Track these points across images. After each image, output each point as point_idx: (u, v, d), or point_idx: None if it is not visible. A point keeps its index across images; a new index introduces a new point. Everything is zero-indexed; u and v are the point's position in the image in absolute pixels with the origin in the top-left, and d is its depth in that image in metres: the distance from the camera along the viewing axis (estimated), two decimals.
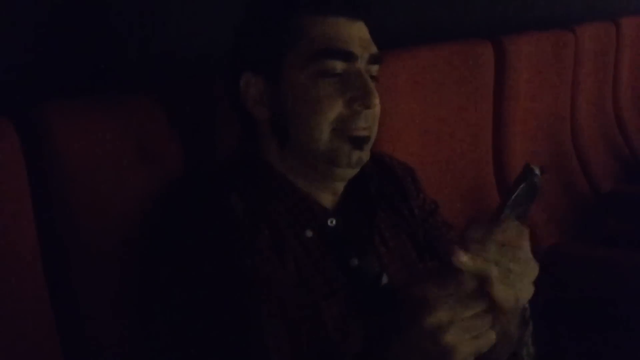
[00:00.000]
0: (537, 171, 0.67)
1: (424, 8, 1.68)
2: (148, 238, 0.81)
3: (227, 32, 0.88)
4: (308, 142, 0.81)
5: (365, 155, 0.83)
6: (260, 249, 0.78)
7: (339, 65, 0.80)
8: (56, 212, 0.83)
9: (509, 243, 0.63)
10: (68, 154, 0.83)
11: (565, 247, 1.74)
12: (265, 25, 0.83)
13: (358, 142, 0.81)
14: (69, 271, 0.84)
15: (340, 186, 0.87)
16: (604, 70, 2.29)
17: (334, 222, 0.84)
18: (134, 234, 0.85)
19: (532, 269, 0.64)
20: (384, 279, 0.85)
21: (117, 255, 0.85)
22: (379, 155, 0.97)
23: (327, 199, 0.86)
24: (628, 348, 1.36)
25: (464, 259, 0.60)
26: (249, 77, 0.83)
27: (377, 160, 0.94)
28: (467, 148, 1.56)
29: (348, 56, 0.81)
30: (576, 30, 2.03)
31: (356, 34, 0.82)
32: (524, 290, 0.64)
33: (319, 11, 0.81)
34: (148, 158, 0.91)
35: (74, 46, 0.99)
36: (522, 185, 0.67)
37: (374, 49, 0.84)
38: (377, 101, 0.81)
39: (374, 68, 0.84)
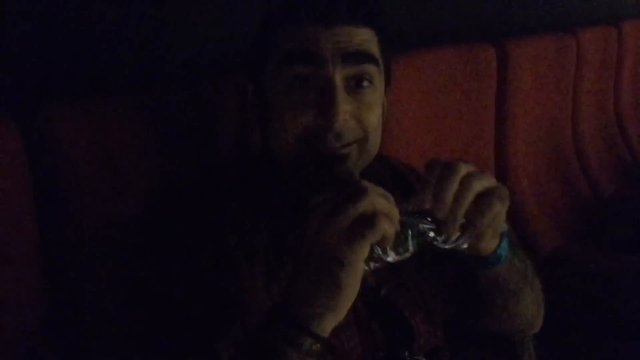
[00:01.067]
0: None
1: (426, 12, 1.68)
2: (143, 234, 0.80)
3: (227, 35, 0.88)
4: (276, 154, 0.79)
5: (344, 173, 0.76)
6: (253, 252, 0.77)
7: (304, 70, 0.75)
8: (59, 212, 0.84)
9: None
10: (71, 154, 0.84)
11: (566, 250, 1.74)
12: (256, 36, 0.83)
13: (322, 162, 0.75)
14: (71, 270, 0.85)
15: None
16: (605, 74, 2.29)
17: None
18: (134, 233, 0.85)
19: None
20: (383, 291, 0.84)
21: (119, 255, 0.85)
22: (389, 160, 0.97)
23: None
24: (628, 352, 1.36)
25: None
26: (251, 85, 0.85)
27: (386, 164, 0.94)
28: (469, 150, 1.56)
29: (312, 58, 0.75)
30: (578, 34, 2.03)
31: (329, 38, 0.75)
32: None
33: (293, 21, 0.77)
34: (148, 158, 0.91)
35: (75, 49, 0.99)
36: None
37: (351, 48, 0.76)
38: (341, 117, 0.73)
39: (361, 69, 0.76)
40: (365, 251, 0.60)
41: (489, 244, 0.76)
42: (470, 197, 0.67)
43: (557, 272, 1.54)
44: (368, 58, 0.77)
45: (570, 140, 2.06)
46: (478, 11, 1.90)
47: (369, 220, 0.60)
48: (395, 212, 0.62)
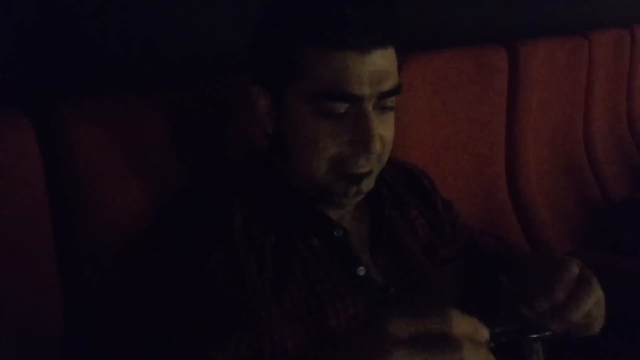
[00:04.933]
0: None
1: (438, 12, 1.68)
2: (147, 236, 0.81)
3: (234, 34, 0.87)
4: (305, 173, 0.80)
5: (365, 186, 0.81)
6: (262, 255, 0.77)
7: (342, 108, 0.76)
8: (73, 209, 0.84)
9: None
10: (84, 151, 0.84)
11: (576, 255, 1.72)
12: (274, 48, 0.78)
13: (355, 180, 0.79)
14: (82, 263, 0.85)
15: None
16: (617, 77, 2.27)
17: (341, 232, 0.83)
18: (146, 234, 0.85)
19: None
20: (392, 291, 0.84)
21: (131, 255, 0.84)
22: (396, 161, 0.97)
23: (335, 213, 0.85)
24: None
25: None
26: (259, 88, 0.82)
27: (399, 166, 0.94)
28: (480, 152, 1.56)
29: (352, 99, 0.75)
30: (590, 37, 2.02)
31: (367, 69, 0.74)
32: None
33: (325, 44, 0.74)
34: (162, 157, 0.91)
35: (87, 46, 0.99)
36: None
37: (387, 85, 0.77)
38: (378, 146, 0.77)
39: (389, 101, 0.79)
40: None
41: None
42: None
43: None
44: (398, 91, 0.79)
45: (581, 144, 2.05)
46: (489, 12, 1.89)
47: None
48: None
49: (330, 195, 0.81)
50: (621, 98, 2.35)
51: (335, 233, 0.83)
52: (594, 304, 0.72)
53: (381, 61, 0.76)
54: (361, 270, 0.83)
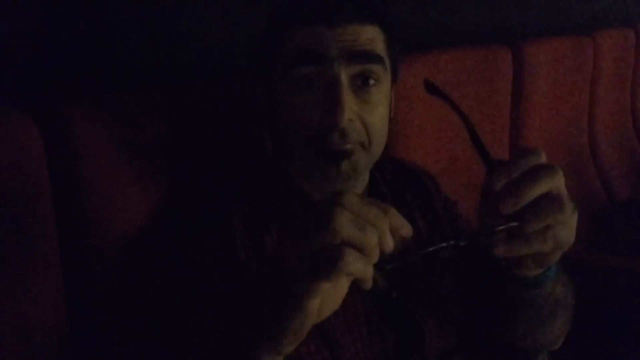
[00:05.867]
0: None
1: (442, 12, 1.67)
2: (149, 235, 0.82)
3: (235, 35, 0.88)
4: (286, 153, 0.81)
5: (347, 168, 0.77)
6: (263, 253, 0.77)
7: (310, 70, 0.75)
8: (77, 209, 0.84)
9: None
10: (89, 151, 0.84)
11: (580, 255, 1.72)
12: (264, 35, 0.83)
13: (332, 157, 0.76)
14: (86, 262, 0.85)
15: None
16: (622, 77, 2.26)
17: None
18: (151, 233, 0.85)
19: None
20: (394, 294, 0.84)
21: (136, 255, 0.85)
22: (398, 161, 0.96)
23: None
24: None
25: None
26: (256, 78, 0.85)
27: (402, 167, 0.94)
28: None
29: (317, 58, 0.75)
30: (595, 36, 2.01)
31: (335, 37, 0.75)
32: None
33: (298, 22, 0.77)
34: (167, 157, 0.91)
35: (93, 46, 0.99)
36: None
37: (357, 47, 0.75)
38: (346, 116, 0.73)
39: (367, 67, 0.76)
40: (317, 293, 0.49)
41: (542, 263, 0.70)
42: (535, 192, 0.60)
43: (570, 277, 1.52)
44: (374, 57, 0.77)
45: (586, 144, 2.04)
46: (494, 12, 1.88)
47: (330, 255, 0.47)
48: (374, 247, 0.49)
49: (313, 178, 0.80)
50: (626, 97, 2.33)
51: None
52: (558, 209, 0.61)
53: (355, 36, 0.76)
54: None
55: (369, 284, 0.50)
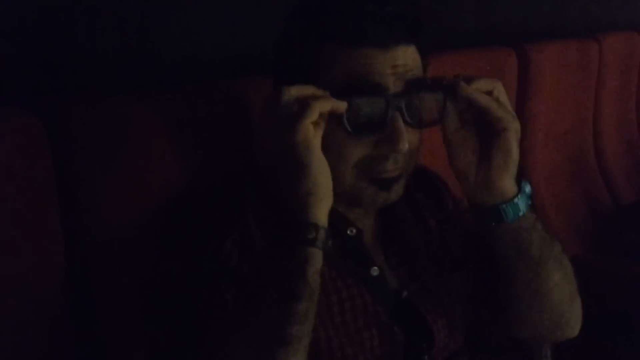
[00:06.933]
0: None
1: (447, 15, 1.67)
2: (159, 233, 0.81)
3: (237, 36, 0.87)
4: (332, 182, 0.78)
5: (394, 193, 0.77)
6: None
7: (365, 101, 0.72)
8: (82, 209, 0.85)
9: None
10: (91, 148, 0.85)
11: (585, 259, 1.72)
12: (297, 48, 0.77)
13: (384, 185, 0.76)
14: (90, 261, 0.86)
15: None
16: (628, 80, 2.26)
17: (354, 231, 0.82)
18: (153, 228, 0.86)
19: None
20: (404, 294, 0.84)
21: (136, 255, 0.86)
22: (420, 168, 0.96)
23: (350, 212, 0.83)
24: None
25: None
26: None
27: (419, 173, 0.93)
28: None
29: (375, 89, 0.72)
30: (600, 39, 2.01)
31: (389, 63, 0.73)
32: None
33: (345, 43, 0.73)
34: (171, 158, 0.91)
35: (98, 47, 0.99)
36: None
37: (410, 74, 0.74)
38: (406, 145, 0.72)
39: (419, 96, 0.76)
40: (306, 129, 0.66)
41: (503, 181, 0.75)
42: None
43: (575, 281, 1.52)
44: (424, 85, 0.76)
45: (591, 147, 2.04)
46: (499, 14, 1.88)
47: (302, 104, 0.66)
48: (320, 92, 0.69)
49: (359, 205, 0.79)
50: (631, 101, 2.33)
51: (349, 232, 0.82)
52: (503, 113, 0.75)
53: (403, 57, 0.74)
54: (374, 271, 0.82)
55: (341, 107, 0.70)
